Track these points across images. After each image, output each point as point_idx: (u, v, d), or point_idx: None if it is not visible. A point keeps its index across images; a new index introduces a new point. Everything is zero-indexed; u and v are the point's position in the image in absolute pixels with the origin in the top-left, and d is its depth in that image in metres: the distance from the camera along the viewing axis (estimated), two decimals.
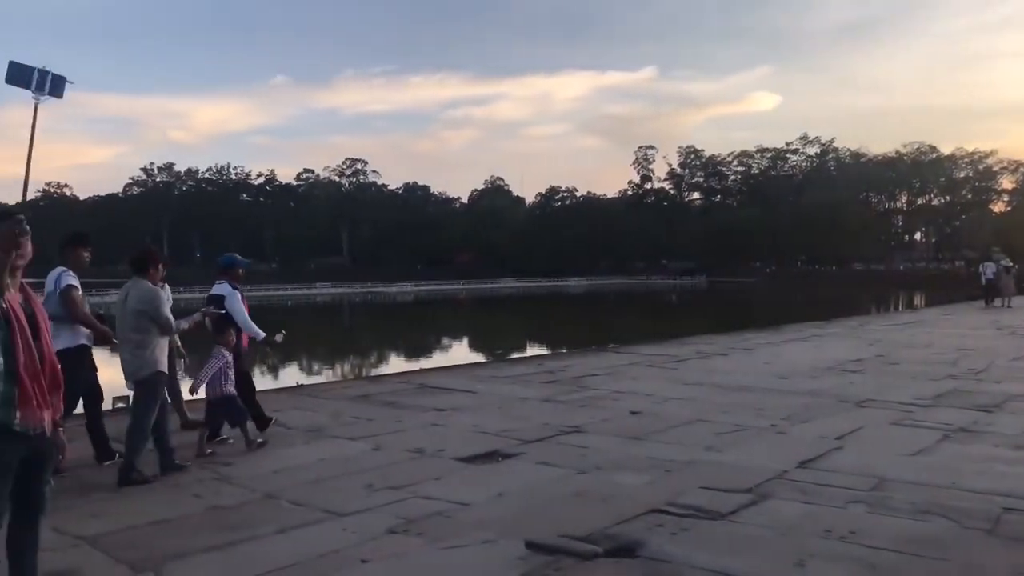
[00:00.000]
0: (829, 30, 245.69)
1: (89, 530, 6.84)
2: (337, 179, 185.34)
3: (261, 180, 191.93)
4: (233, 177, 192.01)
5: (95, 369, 9.18)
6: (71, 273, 8.72)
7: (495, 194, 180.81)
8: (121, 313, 8.09)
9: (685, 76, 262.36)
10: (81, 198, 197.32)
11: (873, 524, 6.80)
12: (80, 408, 8.97)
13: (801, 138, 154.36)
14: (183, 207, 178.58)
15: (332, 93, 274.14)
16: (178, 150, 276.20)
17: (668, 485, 8.14)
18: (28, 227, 4.33)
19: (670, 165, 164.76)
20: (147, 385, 8.12)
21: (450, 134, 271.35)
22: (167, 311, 8.07)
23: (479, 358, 26.33)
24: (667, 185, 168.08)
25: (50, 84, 5.16)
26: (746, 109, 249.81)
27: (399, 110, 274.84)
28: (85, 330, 8.76)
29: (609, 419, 11.69)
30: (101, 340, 9.06)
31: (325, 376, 24.35)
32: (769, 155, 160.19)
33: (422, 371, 19.76)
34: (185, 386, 10.61)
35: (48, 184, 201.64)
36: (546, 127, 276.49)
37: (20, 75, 5.06)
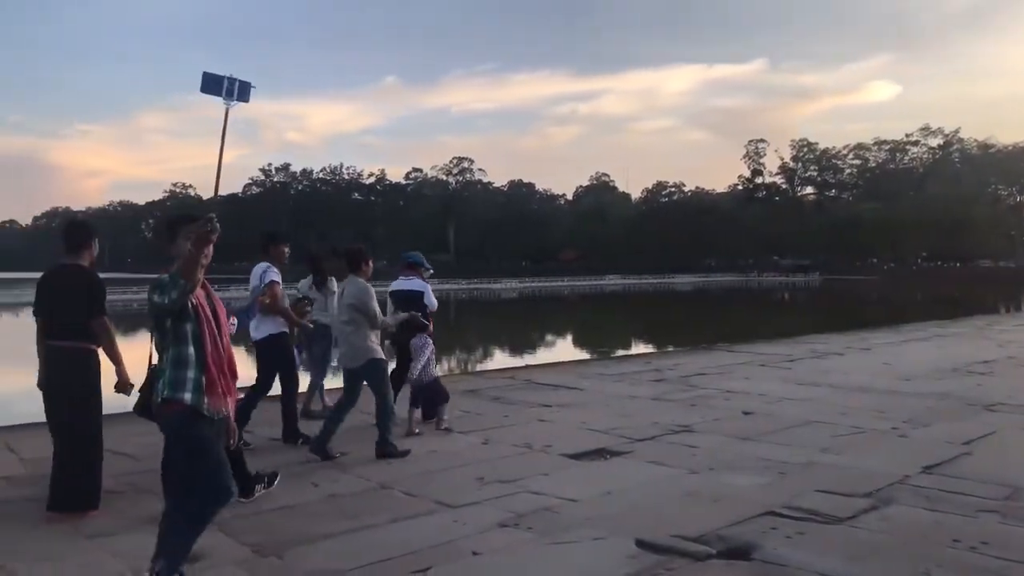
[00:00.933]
0: (950, 16, 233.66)
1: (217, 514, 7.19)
2: (444, 178, 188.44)
3: (372, 179, 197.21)
4: (346, 177, 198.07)
5: (294, 357, 9.96)
6: (274, 269, 9.55)
7: (600, 190, 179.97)
8: (337, 306, 9.05)
9: (797, 67, 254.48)
10: (204, 197, 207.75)
11: (1007, 535, 6.43)
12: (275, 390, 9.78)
13: (922, 129, 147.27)
14: (299, 206, 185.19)
15: (439, 93, 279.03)
16: (294, 151, 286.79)
17: (783, 487, 7.92)
18: (219, 226, 4.65)
19: (782, 159, 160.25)
20: (371, 370, 9.01)
21: (555, 131, 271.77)
22: (375, 306, 8.73)
23: (584, 355, 26.24)
24: (779, 180, 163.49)
25: (238, 90, 5.59)
26: (862, 100, 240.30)
27: (504, 108, 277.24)
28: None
29: (720, 419, 11.46)
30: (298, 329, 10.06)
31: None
32: (887, 147, 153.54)
33: (528, 367, 19.88)
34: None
35: (174, 184, 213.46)
36: (652, 122, 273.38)
37: (213, 84, 5.51)
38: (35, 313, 6.79)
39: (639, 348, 29.22)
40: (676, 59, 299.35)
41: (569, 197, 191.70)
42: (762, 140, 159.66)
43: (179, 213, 5.32)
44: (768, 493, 7.70)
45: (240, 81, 5.82)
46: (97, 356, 6.72)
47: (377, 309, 8.74)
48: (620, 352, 27.37)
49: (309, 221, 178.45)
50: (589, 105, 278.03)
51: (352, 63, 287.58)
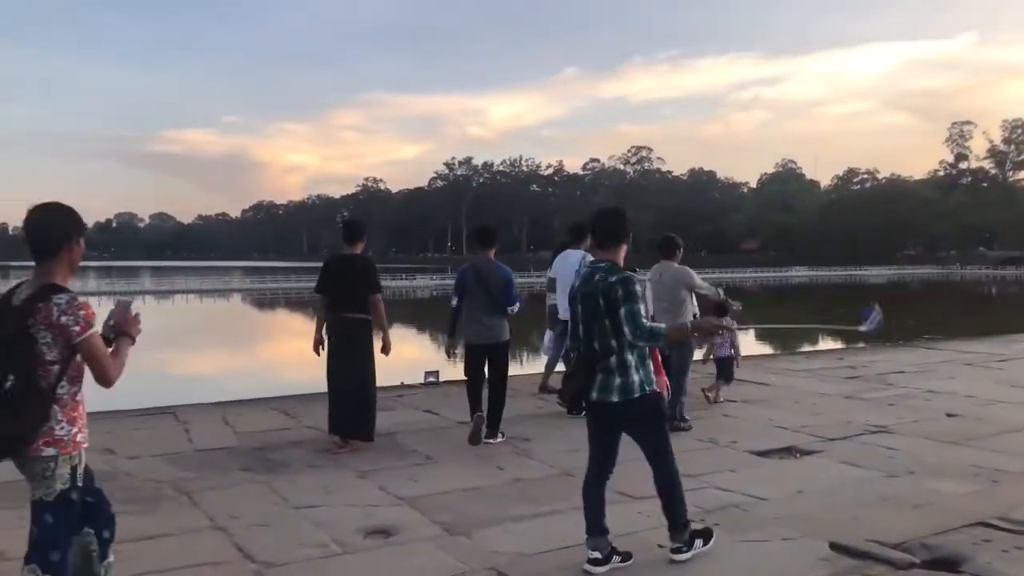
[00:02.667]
0: None
1: (409, 492, 7.58)
2: (622, 167, 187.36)
3: (550, 171, 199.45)
4: (524, 169, 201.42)
5: None
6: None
7: (786, 178, 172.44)
8: (657, 289, 9.74)
9: (1011, 40, 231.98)
10: (393, 191, 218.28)
11: None
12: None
13: None
14: (479, 198, 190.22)
15: (619, 82, 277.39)
16: (475, 145, 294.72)
17: (997, 497, 7.31)
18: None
19: (991, 142, 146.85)
20: (682, 347, 9.70)
21: (738, 117, 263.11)
22: (699, 280, 9.95)
23: (769, 350, 25.31)
24: (987, 164, 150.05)
25: (876, 323, 6.36)
26: None
27: (685, 95, 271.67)
28: None
29: (921, 420, 10.73)
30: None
31: None
32: None
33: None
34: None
35: (366, 179, 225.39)
36: (843, 106, 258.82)
37: (865, 312, 6.41)
38: (318, 291, 8.86)
39: (828, 343, 27.81)
40: (871, 37, 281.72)
41: (752, 185, 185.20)
42: (968, 122, 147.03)
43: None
44: (979, 502, 7.14)
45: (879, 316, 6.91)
46: (370, 324, 8.71)
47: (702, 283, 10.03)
48: (807, 347, 26.16)
49: (488, 213, 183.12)
50: (775, 89, 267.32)
51: (533, 56, 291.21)
